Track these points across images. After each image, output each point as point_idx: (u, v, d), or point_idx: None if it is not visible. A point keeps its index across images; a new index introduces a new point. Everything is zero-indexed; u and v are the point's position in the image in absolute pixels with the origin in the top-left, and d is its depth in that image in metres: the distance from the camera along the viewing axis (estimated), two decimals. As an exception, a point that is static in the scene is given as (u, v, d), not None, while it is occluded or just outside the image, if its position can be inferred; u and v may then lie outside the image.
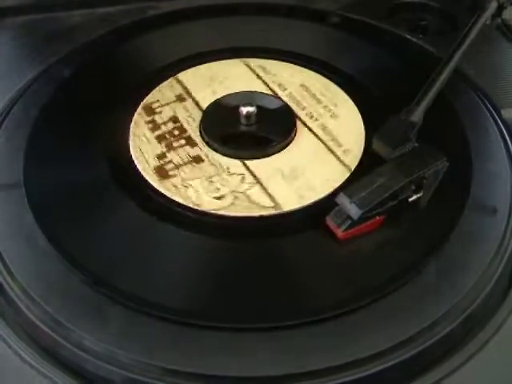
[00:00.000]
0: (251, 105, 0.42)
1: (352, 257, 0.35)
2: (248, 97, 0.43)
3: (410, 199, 0.35)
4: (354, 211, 0.34)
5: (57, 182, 0.39)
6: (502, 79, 0.46)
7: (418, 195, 0.36)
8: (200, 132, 0.42)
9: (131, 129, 0.42)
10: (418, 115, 0.39)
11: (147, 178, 0.39)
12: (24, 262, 0.35)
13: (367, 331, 0.31)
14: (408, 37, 0.50)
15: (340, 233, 0.34)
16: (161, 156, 0.41)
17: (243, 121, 0.42)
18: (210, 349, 0.31)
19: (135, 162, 0.40)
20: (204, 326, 0.31)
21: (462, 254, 0.35)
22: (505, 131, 0.42)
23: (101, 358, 0.31)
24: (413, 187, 0.35)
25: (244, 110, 0.41)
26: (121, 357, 0.31)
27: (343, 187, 0.37)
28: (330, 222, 0.35)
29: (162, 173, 0.39)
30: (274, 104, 0.44)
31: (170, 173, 0.39)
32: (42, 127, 0.42)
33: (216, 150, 0.41)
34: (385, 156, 0.37)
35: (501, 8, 0.47)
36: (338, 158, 0.40)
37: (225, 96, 0.44)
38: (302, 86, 0.45)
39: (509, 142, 0.41)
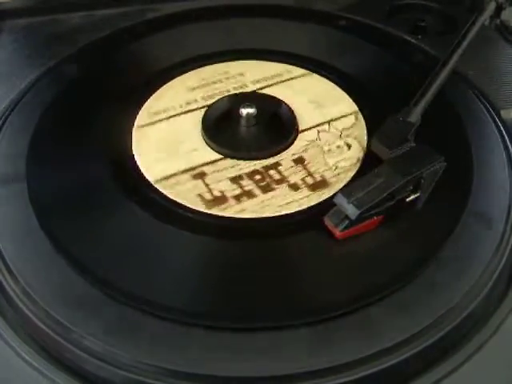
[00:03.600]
0: (251, 106, 0.42)
1: (349, 257, 0.35)
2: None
3: (408, 199, 0.35)
4: (351, 211, 0.34)
5: (59, 181, 0.39)
6: (500, 80, 0.47)
7: (416, 195, 0.36)
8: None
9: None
10: (415, 116, 0.39)
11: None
12: (25, 261, 0.35)
13: (365, 332, 0.31)
14: (407, 38, 0.50)
15: (338, 232, 0.34)
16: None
17: (243, 123, 0.42)
18: (210, 349, 0.31)
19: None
20: (205, 326, 0.31)
21: (461, 255, 0.35)
22: (504, 132, 0.42)
23: (101, 358, 0.31)
24: (410, 187, 0.35)
25: (244, 111, 0.42)
26: (121, 357, 0.31)
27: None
28: (328, 221, 0.35)
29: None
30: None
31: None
32: (43, 129, 0.42)
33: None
34: (383, 156, 0.37)
35: (499, 9, 0.48)
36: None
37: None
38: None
39: (508, 142, 0.42)
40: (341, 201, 0.34)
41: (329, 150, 0.41)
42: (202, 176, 0.39)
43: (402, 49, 0.49)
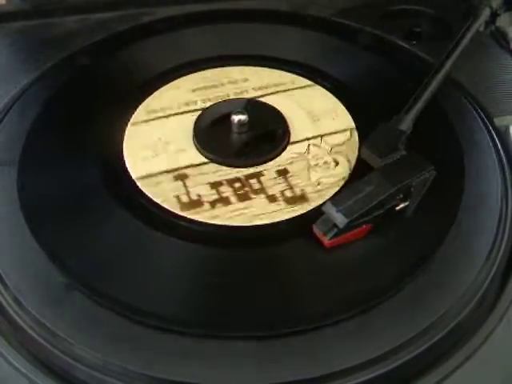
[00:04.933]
0: (243, 113, 0.42)
1: (340, 265, 0.35)
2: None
3: (398, 208, 0.35)
4: (340, 220, 0.34)
5: (51, 187, 0.39)
6: (495, 87, 0.46)
7: (406, 204, 0.36)
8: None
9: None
10: (406, 123, 0.39)
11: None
12: (14, 267, 0.35)
13: (361, 338, 0.31)
14: (401, 43, 0.50)
15: (326, 241, 0.34)
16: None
17: (235, 129, 0.42)
18: (202, 358, 0.31)
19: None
20: (196, 335, 0.31)
21: (450, 264, 0.35)
22: (497, 140, 0.42)
23: (92, 366, 0.31)
24: (400, 196, 0.35)
25: (236, 118, 0.41)
26: (112, 366, 0.31)
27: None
28: (317, 230, 0.35)
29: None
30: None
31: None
32: (37, 134, 0.42)
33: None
34: (373, 164, 0.37)
35: (494, 15, 0.47)
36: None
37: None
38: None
39: (501, 150, 0.41)
40: (329, 209, 0.34)
41: (315, 165, 0.40)
42: (183, 178, 0.39)
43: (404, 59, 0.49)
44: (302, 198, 0.38)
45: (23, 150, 0.41)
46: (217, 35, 0.51)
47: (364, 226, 0.35)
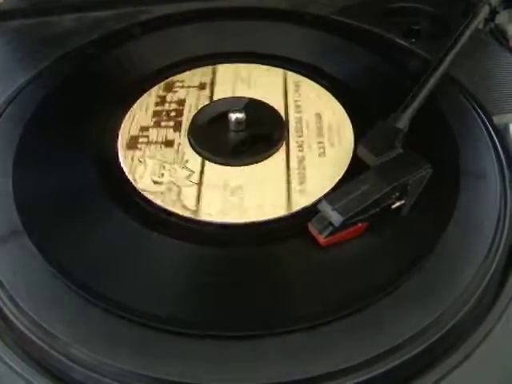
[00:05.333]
0: (240, 111, 0.41)
1: (336, 264, 0.35)
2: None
3: (393, 206, 0.35)
4: (335, 218, 0.33)
5: (47, 186, 0.39)
6: (494, 85, 0.46)
7: (401, 202, 0.35)
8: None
9: (141, 98, 0.45)
10: (403, 122, 0.38)
11: (119, 143, 0.41)
12: (10, 268, 0.35)
13: (359, 337, 0.31)
14: (400, 41, 0.50)
15: (322, 239, 0.34)
16: (143, 128, 0.43)
17: (232, 127, 0.42)
18: (200, 358, 0.31)
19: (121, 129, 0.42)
20: (193, 335, 0.31)
21: (450, 261, 0.34)
22: (496, 138, 0.42)
23: (88, 366, 0.31)
24: (396, 194, 0.35)
25: (233, 116, 0.41)
26: (108, 366, 0.30)
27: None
28: (312, 228, 0.34)
29: (132, 143, 0.42)
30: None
31: (139, 146, 0.42)
32: (33, 132, 0.42)
33: (190, 143, 0.41)
34: (369, 163, 0.37)
35: (494, 12, 0.47)
36: (289, 194, 0.38)
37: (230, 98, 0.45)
38: (317, 115, 0.44)
39: (499, 149, 0.41)
40: (325, 207, 0.34)
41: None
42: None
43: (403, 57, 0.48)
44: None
45: (18, 148, 0.41)
46: (213, 33, 0.51)
47: (360, 225, 0.34)
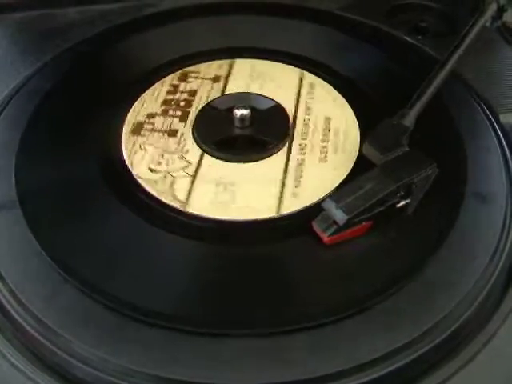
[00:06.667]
0: (245, 108, 0.41)
1: (340, 263, 0.34)
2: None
3: (398, 205, 0.35)
4: (340, 216, 0.33)
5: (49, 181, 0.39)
6: (501, 83, 0.46)
7: (407, 201, 0.35)
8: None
9: (154, 86, 0.45)
10: (410, 119, 0.38)
11: (124, 129, 0.42)
12: (14, 264, 0.34)
13: (362, 338, 0.31)
14: (407, 38, 0.49)
15: (326, 238, 0.34)
16: (150, 115, 0.43)
17: (236, 123, 0.41)
18: (201, 356, 0.30)
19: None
20: (195, 333, 0.31)
21: (455, 262, 0.34)
22: (502, 137, 0.41)
23: (89, 364, 0.31)
24: (401, 193, 0.34)
25: (238, 112, 0.41)
26: (110, 364, 0.30)
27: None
28: (316, 226, 0.34)
29: (137, 129, 0.42)
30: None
31: (143, 132, 0.42)
32: (37, 124, 0.42)
33: (192, 134, 0.41)
34: (375, 161, 0.36)
35: (501, 10, 0.46)
36: (281, 197, 0.37)
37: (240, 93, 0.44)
38: (326, 119, 0.43)
39: (506, 148, 0.41)
40: (329, 206, 0.34)
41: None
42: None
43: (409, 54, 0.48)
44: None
45: (21, 142, 0.40)
46: (219, 28, 0.50)
47: (364, 224, 0.34)
